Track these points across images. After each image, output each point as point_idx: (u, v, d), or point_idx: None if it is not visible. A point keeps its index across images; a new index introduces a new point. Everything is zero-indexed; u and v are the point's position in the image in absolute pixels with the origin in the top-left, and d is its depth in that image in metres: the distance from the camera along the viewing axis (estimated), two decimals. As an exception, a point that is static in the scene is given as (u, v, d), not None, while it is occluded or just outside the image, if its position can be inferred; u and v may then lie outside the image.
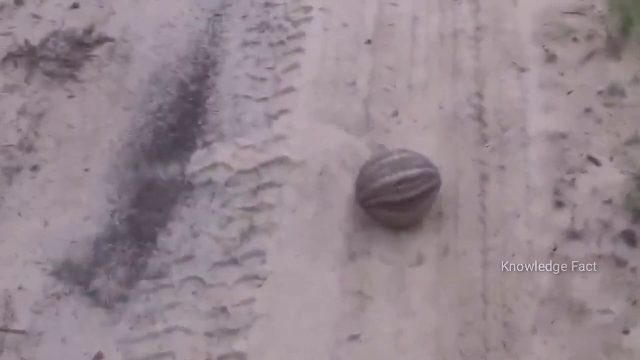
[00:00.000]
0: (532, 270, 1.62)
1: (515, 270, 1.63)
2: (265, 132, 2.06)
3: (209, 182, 1.96)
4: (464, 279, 1.65)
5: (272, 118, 2.08)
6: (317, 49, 2.22)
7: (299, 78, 2.17)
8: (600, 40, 2.03)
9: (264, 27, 2.30)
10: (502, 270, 1.64)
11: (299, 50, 2.21)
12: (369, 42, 2.21)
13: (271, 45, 2.26)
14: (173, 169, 2.01)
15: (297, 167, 1.95)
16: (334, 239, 1.78)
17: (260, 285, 1.74)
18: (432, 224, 1.76)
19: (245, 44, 2.28)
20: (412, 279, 1.68)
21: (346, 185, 1.87)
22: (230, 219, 1.87)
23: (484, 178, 1.82)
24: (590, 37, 2.04)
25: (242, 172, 1.96)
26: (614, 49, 1.98)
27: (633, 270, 1.57)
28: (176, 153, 2.04)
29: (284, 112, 2.08)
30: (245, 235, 1.82)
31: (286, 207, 1.87)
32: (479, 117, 1.95)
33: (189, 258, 1.80)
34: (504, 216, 1.73)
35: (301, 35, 2.25)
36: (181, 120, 2.10)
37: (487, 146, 1.86)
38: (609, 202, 1.69)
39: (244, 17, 2.34)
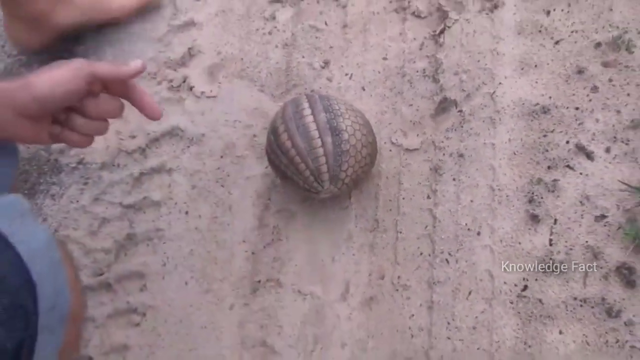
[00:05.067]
0: (492, 320, 1.19)
1: (470, 317, 1.20)
2: (155, 88, 1.53)
3: (80, 163, 1.46)
4: (401, 328, 1.22)
5: (164, 65, 1.55)
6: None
7: (202, 8, 1.61)
8: (602, -38, 1.48)
9: None
10: (452, 318, 1.21)
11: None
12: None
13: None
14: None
15: (193, 144, 1.45)
16: (233, 259, 1.32)
17: (137, 324, 1.29)
18: (365, 237, 1.30)
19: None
20: (336, 322, 1.24)
21: (255, 173, 1.38)
22: (104, 221, 1.39)
23: (436, 170, 1.33)
24: (588, -44, 1.49)
25: (124, 150, 1.46)
26: (620, -24, 1.44)
27: (629, 323, 1.14)
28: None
29: (181, 59, 1.54)
30: (122, 247, 1.36)
31: (175, 205, 1.39)
32: (434, 76, 1.43)
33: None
34: (459, 232, 1.27)
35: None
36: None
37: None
38: (602, 217, 1.23)
39: None
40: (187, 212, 1.38)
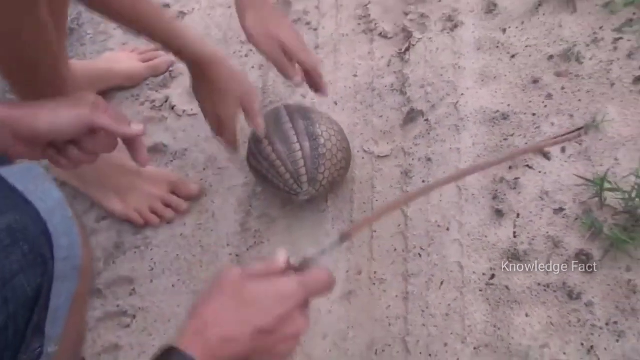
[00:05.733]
0: (464, 307, 1.28)
1: (443, 305, 1.28)
2: (137, 108, 1.62)
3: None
4: (379, 318, 1.29)
5: (146, 87, 1.64)
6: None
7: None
8: (551, -16, 1.62)
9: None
10: (426, 306, 1.29)
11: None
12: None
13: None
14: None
15: (176, 158, 1.53)
16: (218, 261, 1.39)
17: (127, 326, 1.35)
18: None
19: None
20: (317, 316, 1.31)
21: (236, 183, 1.46)
22: (92, 232, 1.46)
23: (406, 174, 1.43)
24: (538, -20, 1.63)
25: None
26: (568, -3, 1.58)
27: (589, 304, 1.24)
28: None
29: (162, 81, 1.63)
30: (111, 256, 1.42)
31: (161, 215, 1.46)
32: (401, 89, 1.54)
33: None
34: (430, 229, 1.36)
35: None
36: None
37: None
38: (560, 210, 1.33)
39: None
40: (171, 222, 1.45)
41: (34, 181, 0.78)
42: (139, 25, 1.14)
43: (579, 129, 0.94)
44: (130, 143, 0.93)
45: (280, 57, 1.17)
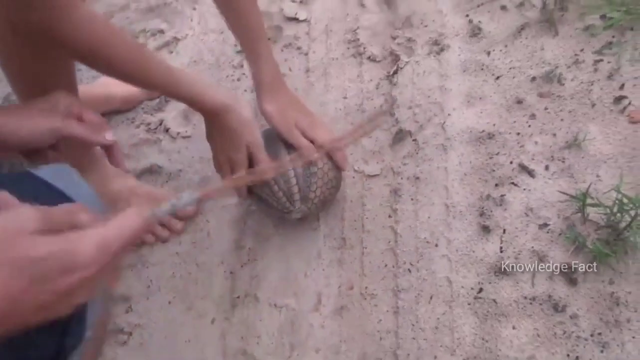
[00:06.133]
0: (453, 320, 1.31)
1: (433, 318, 1.32)
2: (133, 131, 1.66)
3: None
4: (370, 332, 1.33)
5: (141, 110, 1.68)
6: (197, 22, 1.80)
7: (175, 59, 1.76)
8: (533, 9, 1.67)
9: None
10: (416, 320, 1.33)
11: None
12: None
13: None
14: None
15: (171, 179, 1.56)
16: (213, 278, 1.42)
17: (124, 343, 1.38)
18: (334, 254, 1.42)
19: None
20: (310, 330, 1.34)
21: (230, 202, 1.50)
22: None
23: (395, 192, 1.47)
24: (521, 5, 1.69)
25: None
26: (549, 21, 1.63)
27: (573, 316, 1.28)
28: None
29: (157, 104, 1.67)
30: (106, 273, 1.44)
31: (157, 234, 1.49)
32: (390, 111, 1.59)
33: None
34: (419, 245, 1.40)
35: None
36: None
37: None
38: (545, 225, 1.38)
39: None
40: (167, 242, 1.49)
41: (68, 177, 0.82)
42: (151, 83, 1.18)
43: (383, 112, 0.96)
44: (105, 148, 0.97)
45: (297, 137, 1.32)
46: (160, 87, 1.17)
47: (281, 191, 1.32)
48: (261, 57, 1.32)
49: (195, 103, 1.20)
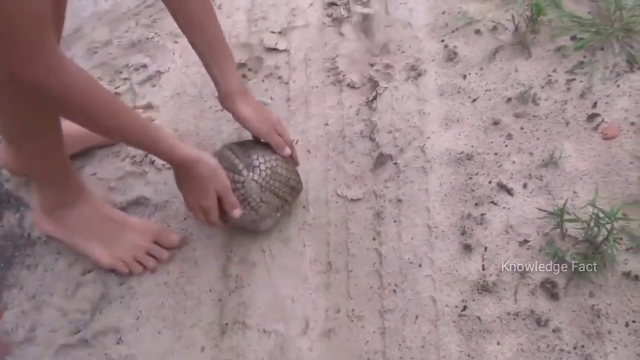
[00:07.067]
0: (438, 339, 1.34)
1: (419, 337, 1.34)
2: (118, 164, 1.68)
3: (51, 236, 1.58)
4: (358, 353, 1.35)
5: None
6: (178, 56, 1.84)
7: (158, 92, 1.79)
8: (506, 32, 1.72)
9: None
10: (403, 340, 1.35)
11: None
12: (237, 40, 1.84)
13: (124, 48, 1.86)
14: (9, 218, 1.63)
15: (158, 210, 1.59)
16: (202, 307, 1.44)
17: (113, 373, 1.39)
18: (320, 278, 1.45)
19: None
20: (299, 354, 1.36)
21: (216, 230, 1.53)
22: (79, 284, 1.50)
23: (378, 215, 1.50)
24: (494, 29, 1.73)
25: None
26: (522, 43, 1.68)
27: (556, 330, 1.30)
28: (13, 199, 1.66)
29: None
30: (97, 307, 1.47)
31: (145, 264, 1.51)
32: (370, 136, 1.62)
33: (29, 340, 1.44)
34: (403, 266, 1.43)
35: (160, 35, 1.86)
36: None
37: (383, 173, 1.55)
38: (525, 242, 1.41)
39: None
40: (155, 271, 1.51)
41: None
42: (127, 139, 1.25)
43: None
44: None
45: (275, 137, 1.43)
46: (136, 143, 1.25)
47: (231, 172, 1.39)
48: (229, 71, 1.40)
49: (168, 156, 1.28)
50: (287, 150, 1.45)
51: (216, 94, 1.70)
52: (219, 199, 1.37)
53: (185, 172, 1.33)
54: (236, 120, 1.44)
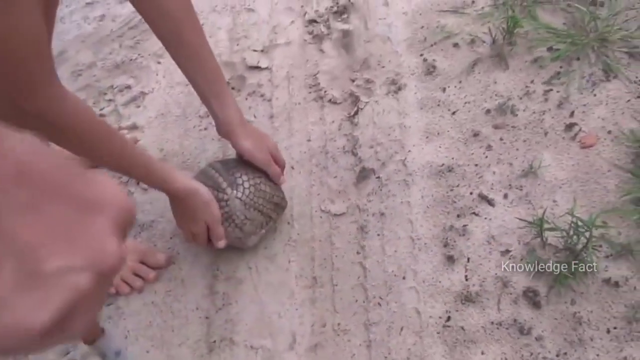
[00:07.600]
0: (423, 350, 1.35)
1: (404, 349, 1.36)
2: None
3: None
4: (345, 366, 1.36)
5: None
6: (162, 76, 1.85)
7: (142, 113, 1.81)
8: (483, 45, 1.75)
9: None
10: (388, 352, 1.36)
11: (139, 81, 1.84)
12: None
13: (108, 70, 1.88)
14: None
15: (144, 230, 1.60)
16: (189, 325, 1.45)
17: (101, 393, 1.39)
18: (306, 293, 1.46)
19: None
20: (283, 370, 1.38)
21: (201, 249, 1.54)
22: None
23: (362, 229, 1.52)
24: (472, 42, 1.76)
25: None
26: (499, 56, 1.71)
27: (539, 338, 1.32)
28: None
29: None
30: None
31: (131, 284, 1.53)
32: (352, 150, 1.64)
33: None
34: (387, 279, 1.45)
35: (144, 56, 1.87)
36: None
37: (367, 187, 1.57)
38: (507, 252, 1.43)
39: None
40: (142, 290, 1.52)
41: None
42: (125, 171, 1.29)
43: None
44: None
45: (274, 168, 1.46)
46: (134, 175, 1.30)
47: (215, 191, 1.40)
48: (227, 101, 1.41)
49: (165, 188, 1.33)
50: (283, 179, 1.49)
51: (200, 113, 1.73)
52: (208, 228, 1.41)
53: (179, 202, 1.38)
54: (236, 151, 1.47)
